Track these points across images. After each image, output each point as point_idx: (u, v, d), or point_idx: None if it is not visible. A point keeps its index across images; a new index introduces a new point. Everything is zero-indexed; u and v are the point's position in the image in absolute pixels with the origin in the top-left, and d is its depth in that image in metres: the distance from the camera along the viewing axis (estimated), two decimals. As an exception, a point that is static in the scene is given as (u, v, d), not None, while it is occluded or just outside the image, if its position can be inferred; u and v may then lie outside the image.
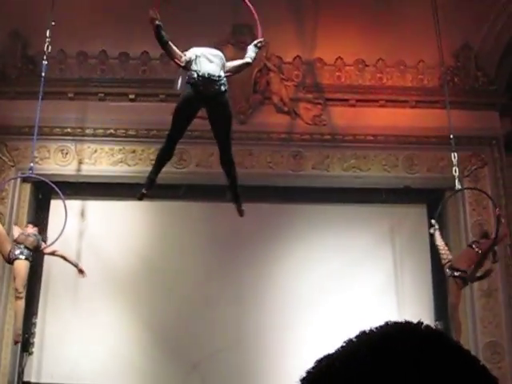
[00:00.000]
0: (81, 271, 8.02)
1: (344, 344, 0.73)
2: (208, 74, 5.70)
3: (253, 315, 9.03)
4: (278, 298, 9.11)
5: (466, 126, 9.05)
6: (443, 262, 7.51)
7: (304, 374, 0.74)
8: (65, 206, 7.49)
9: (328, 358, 0.73)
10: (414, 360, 0.66)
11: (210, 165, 8.87)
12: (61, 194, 7.60)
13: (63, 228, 7.37)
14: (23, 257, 7.68)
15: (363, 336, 0.72)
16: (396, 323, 0.73)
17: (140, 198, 6.32)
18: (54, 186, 7.65)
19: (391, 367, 0.66)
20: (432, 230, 7.50)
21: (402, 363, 0.66)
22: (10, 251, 7.66)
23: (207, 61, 5.82)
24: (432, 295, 9.17)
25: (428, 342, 0.69)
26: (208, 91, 5.69)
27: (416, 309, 8.89)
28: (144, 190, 6.20)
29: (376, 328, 0.73)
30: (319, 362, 0.74)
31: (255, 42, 6.02)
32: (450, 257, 7.54)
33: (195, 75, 5.68)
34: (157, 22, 5.63)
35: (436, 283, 9.11)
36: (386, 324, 0.73)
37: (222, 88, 5.73)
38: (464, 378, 0.67)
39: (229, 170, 6.09)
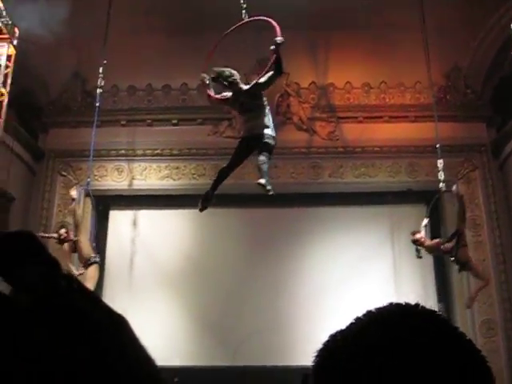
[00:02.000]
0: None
1: (353, 321, 0.79)
2: None
3: (282, 303, 10.48)
4: (302, 287, 10.56)
5: (458, 135, 10.60)
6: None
7: (321, 346, 0.80)
8: (93, 203, 9.34)
9: (341, 332, 0.79)
10: (419, 331, 0.73)
11: (242, 176, 9.99)
12: (93, 201, 9.20)
13: (95, 225, 9.18)
14: (99, 261, 8.05)
15: (371, 314, 0.79)
16: (398, 304, 0.80)
17: (201, 210, 6.88)
18: (92, 196, 9.13)
19: (399, 338, 0.73)
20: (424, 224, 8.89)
21: (409, 335, 0.73)
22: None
23: None
24: (434, 279, 10.55)
25: (428, 318, 0.78)
26: None
27: (420, 293, 10.24)
28: (201, 206, 6.83)
29: (380, 308, 0.79)
30: (334, 337, 0.79)
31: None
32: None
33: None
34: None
35: (438, 268, 10.52)
36: (390, 304, 0.80)
37: None
38: (457, 347, 0.75)
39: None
